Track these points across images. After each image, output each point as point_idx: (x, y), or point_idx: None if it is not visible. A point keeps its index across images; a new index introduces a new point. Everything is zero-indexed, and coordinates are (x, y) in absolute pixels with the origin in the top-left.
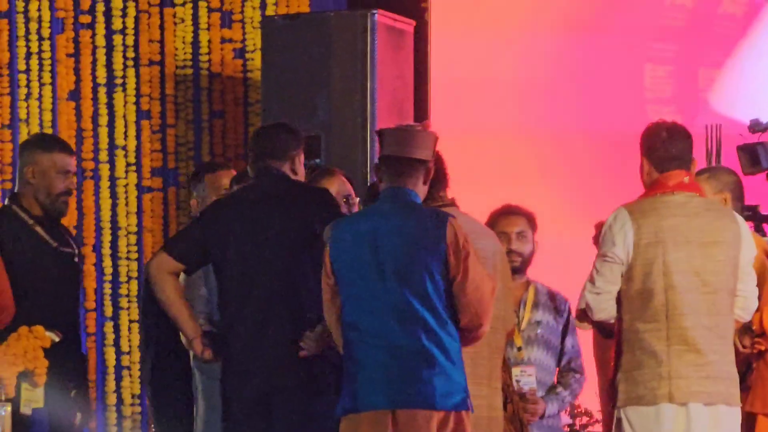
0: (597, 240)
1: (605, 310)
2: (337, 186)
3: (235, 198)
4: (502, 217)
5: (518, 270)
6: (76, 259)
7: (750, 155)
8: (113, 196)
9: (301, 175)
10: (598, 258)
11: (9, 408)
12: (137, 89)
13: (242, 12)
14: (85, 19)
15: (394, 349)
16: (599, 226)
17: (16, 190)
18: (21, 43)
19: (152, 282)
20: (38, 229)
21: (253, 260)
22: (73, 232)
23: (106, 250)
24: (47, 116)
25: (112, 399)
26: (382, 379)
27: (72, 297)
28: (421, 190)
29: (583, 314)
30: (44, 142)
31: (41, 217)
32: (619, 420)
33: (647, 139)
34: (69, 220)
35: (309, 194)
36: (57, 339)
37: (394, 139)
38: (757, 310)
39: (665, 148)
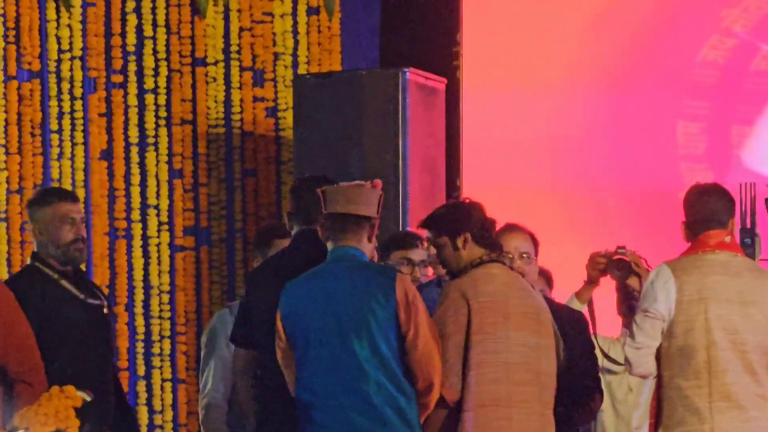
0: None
1: (644, 365)
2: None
3: (274, 267)
4: None
5: None
6: (106, 311)
7: None
8: (145, 255)
9: None
10: (638, 313)
11: None
12: (169, 148)
13: (274, 71)
14: (117, 78)
15: (349, 410)
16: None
17: (35, 249)
18: (53, 102)
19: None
20: (64, 282)
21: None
22: (106, 291)
23: (139, 309)
24: (79, 176)
25: None
26: None
27: (102, 348)
28: (366, 248)
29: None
30: (42, 196)
31: (66, 270)
32: None
33: (684, 203)
34: (102, 279)
35: None
36: (89, 398)
37: (338, 197)
38: None
39: (696, 210)
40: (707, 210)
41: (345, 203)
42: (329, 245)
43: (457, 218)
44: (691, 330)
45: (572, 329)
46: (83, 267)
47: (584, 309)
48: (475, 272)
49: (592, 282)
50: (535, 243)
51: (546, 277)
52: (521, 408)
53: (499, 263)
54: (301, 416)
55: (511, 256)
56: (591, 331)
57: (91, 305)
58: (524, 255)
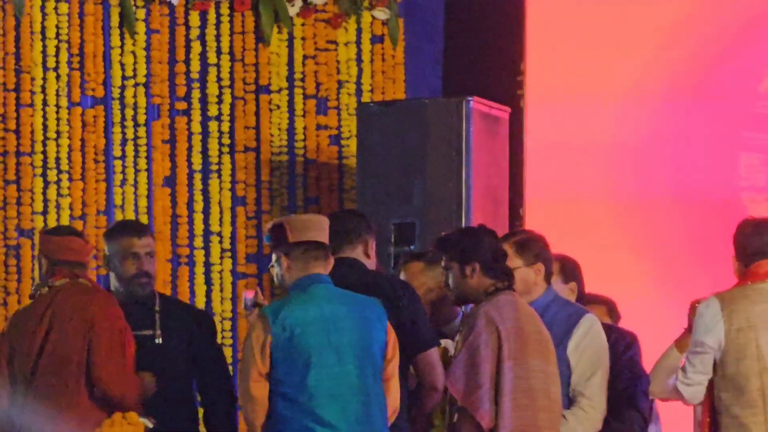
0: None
1: (698, 399)
2: None
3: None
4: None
5: None
6: (159, 341)
7: None
8: (208, 282)
9: (373, 260)
10: (690, 348)
11: None
12: (232, 175)
13: (338, 99)
14: (181, 105)
15: None
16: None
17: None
18: (117, 129)
19: None
20: None
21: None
22: None
23: None
24: (142, 202)
25: None
26: None
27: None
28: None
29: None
30: (110, 230)
31: (122, 302)
32: None
33: (735, 237)
34: None
35: (382, 284)
36: (151, 425)
37: (306, 226)
38: None
39: (749, 243)
40: (758, 242)
41: (315, 232)
42: (294, 274)
43: (468, 246)
44: (743, 359)
45: (616, 349)
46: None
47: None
48: (495, 299)
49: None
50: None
51: (608, 306)
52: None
53: (510, 291)
54: None
55: None
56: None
57: (139, 336)
58: None
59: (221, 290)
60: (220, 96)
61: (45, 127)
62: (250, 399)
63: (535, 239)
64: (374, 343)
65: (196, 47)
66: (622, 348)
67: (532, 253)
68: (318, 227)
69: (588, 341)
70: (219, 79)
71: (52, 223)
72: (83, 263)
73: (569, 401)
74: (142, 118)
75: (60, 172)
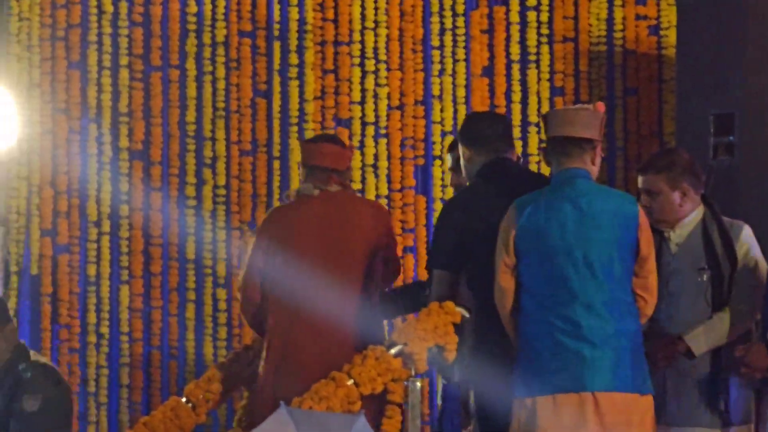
0: None
1: None
2: None
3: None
4: None
5: None
6: None
7: None
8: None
9: None
10: None
11: (420, 383)
12: (551, 66)
13: None
14: None
15: (612, 336)
16: None
17: None
18: (435, 19)
19: None
20: None
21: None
22: None
23: None
24: (460, 92)
25: None
26: (610, 364)
27: None
28: (591, 170)
29: None
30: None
31: None
32: None
33: None
34: None
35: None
36: (467, 315)
37: (558, 120)
38: None
39: None
40: None
41: (565, 126)
42: (553, 168)
43: None
44: None
45: None
46: None
47: None
48: None
49: None
50: None
51: None
52: None
53: None
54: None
55: None
56: None
57: None
58: None
59: None
60: None
61: (363, 17)
62: (499, 290)
63: None
64: (625, 240)
65: None
66: None
67: None
68: (572, 121)
69: None
70: None
71: (369, 113)
72: (339, 170)
73: None
74: (460, 8)
75: (378, 62)
